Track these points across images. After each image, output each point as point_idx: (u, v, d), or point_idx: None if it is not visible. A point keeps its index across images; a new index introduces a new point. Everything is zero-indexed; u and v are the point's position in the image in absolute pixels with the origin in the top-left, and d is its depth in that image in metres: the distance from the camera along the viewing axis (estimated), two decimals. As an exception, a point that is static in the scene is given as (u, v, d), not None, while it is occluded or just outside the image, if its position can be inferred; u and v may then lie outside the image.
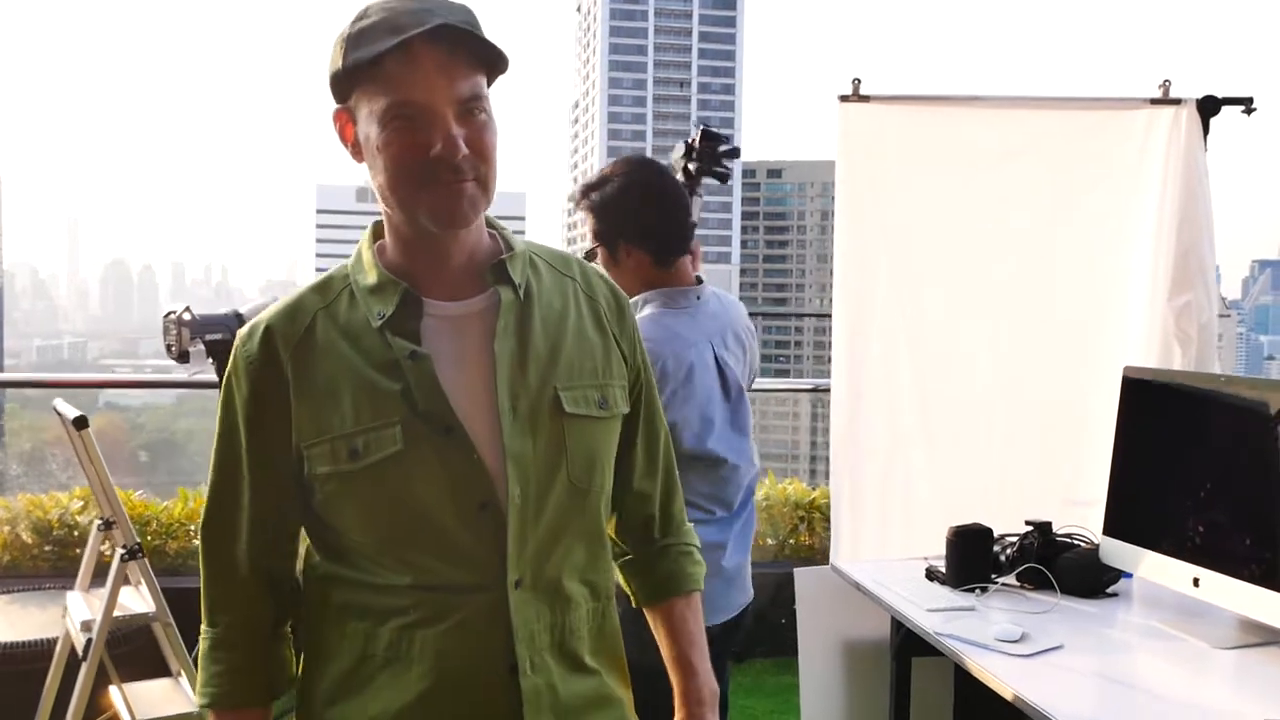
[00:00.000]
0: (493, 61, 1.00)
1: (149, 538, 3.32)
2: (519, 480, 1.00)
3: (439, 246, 1.03)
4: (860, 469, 2.52)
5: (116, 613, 2.25)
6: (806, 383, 4.49)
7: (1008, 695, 1.57)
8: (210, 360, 2.65)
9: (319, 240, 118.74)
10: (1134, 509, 1.95)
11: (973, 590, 1.99)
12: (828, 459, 2.60)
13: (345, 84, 1.00)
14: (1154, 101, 2.43)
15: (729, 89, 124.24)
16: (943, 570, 2.07)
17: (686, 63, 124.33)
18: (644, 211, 1.78)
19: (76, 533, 3.34)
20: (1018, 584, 2.02)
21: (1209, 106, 2.40)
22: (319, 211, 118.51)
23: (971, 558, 2.03)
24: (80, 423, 2.21)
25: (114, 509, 2.31)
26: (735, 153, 2.19)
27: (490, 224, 1.10)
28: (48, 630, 2.57)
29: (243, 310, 2.74)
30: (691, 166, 2.15)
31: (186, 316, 2.63)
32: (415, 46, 0.95)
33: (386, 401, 0.99)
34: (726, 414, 1.77)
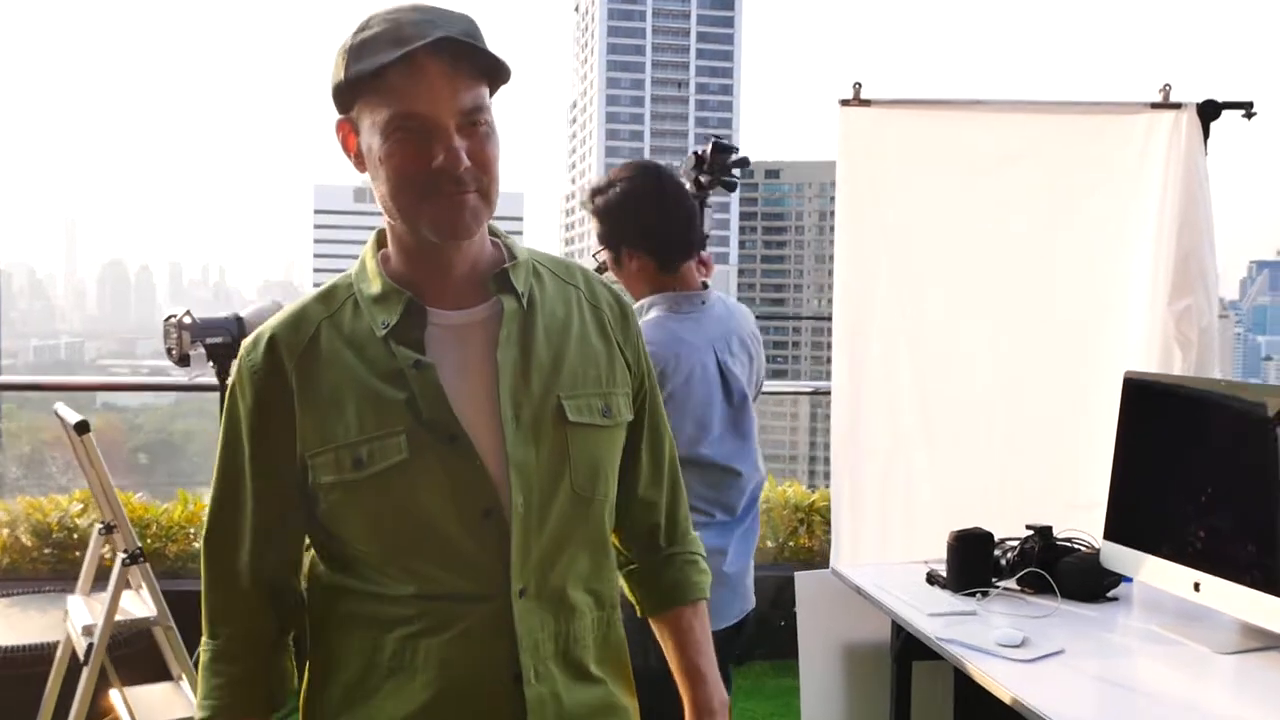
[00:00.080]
0: (494, 72, 1.00)
1: (149, 540, 3.31)
2: (522, 489, 1.01)
3: (442, 256, 1.04)
4: (860, 472, 2.52)
5: (118, 617, 2.25)
6: (806, 385, 4.50)
7: (1009, 700, 1.57)
8: (211, 364, 2.65)
9: (316, 241, 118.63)
10: (1135, 513, 1.96)
11: (973, 594, 1.99)
12: (827, 460, 2.60)
13: (347, 95, 1.00)
14: (1154, 106, 2.44)
15: (727, 89, 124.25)
16: (943, 574, 2.07)
17: (685, 63, 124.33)
18: (646, 216, 1.79)
19: (76, 535, 3.33)
20: (1018, 588, 2.02)
21: (1209, 111, 2.40)
22: (317, 212, 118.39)
23: (972, 562, 2.04)
24: (82, 427, 2.21)
25: (115, 513, 2.31)
26: (744, 163, 2.20)
27: (493, 232, 1.10)
28: (48, 634, 2.57)
29: (243, 314, 2.74)
30: (703, 178, 2.17)
31: (187, 320, 2.62)
32: (418, 58, 0.95)
33: (391, 411, 0.99)
34: (727, 420, 1.77)
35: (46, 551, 3.34)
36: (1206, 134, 2.41)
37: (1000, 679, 1.62)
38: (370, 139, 0.99)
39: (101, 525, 2.42)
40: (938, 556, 2.10)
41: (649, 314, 1.78)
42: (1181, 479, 1.89)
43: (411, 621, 1.00)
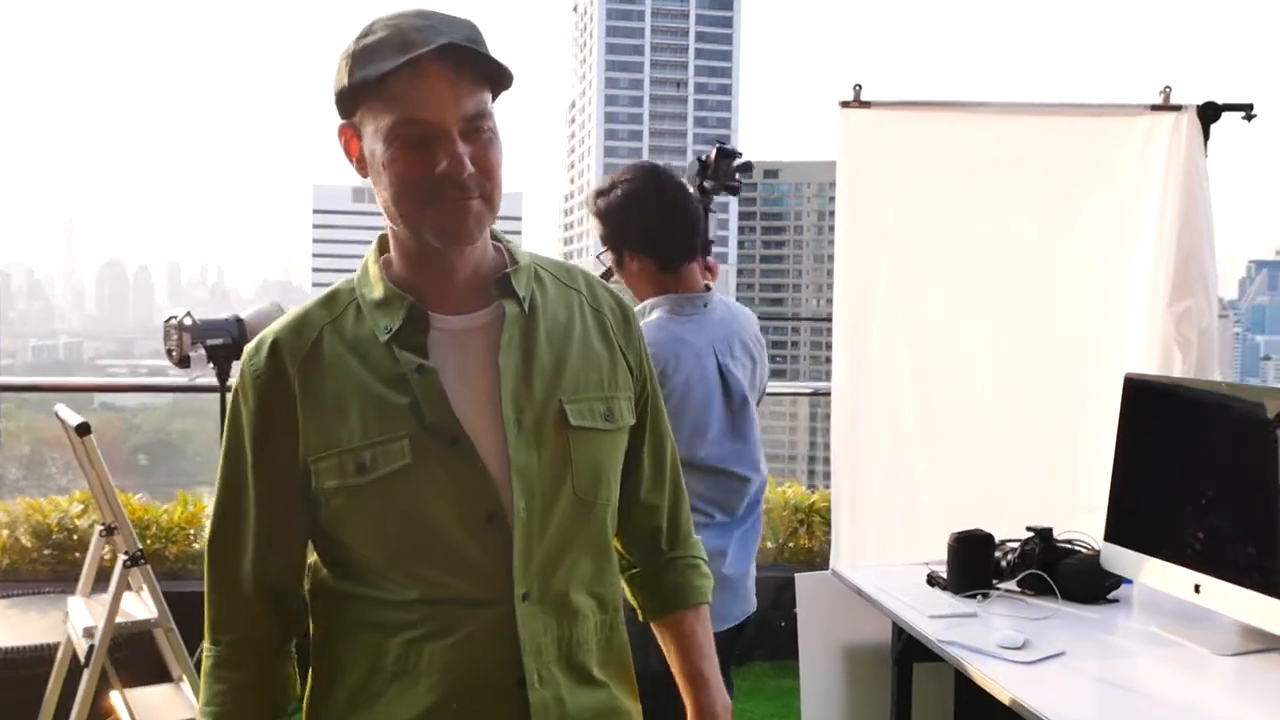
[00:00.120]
0: (497, 78, 1.00)
1: (148, 541, 3.31)
2: (524, 493, 1.01)
3: (444, 261, 1.04)
4: (861, 473, 2.53)
5: (119, 619, 2.25)
6: (806, 386, 4.49)
7: (1010, 702, 1.57)
8: (211, 365, 2.65)
9: (315, 241, 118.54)
10: (1135, 515, 1.96)
11: (974, 596, 2.00)
12: (826, 460, 2.60)
13: (350, 100, 1.00)
14: (1155, 108, 2.44)
15: (725, 89, 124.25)
16: (944, 576, 2.07)
17: (683, 63, 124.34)
18: (646, 218, 1.79)
19: (76, 536, 3.33)
20: (1019, 590, 2.03)
21: (1209, 113, 2.40)
22: (315, 212, 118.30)
23: (973, 564, 2.04)
24: (83, 429, 2.21)
25: (116, 515, 2.31)
26: (748, 167, 2.21)
27: (495, 237, 1.10)
28: (48, 635, 2.57)
29: (243, 315, 2.74)
30: (707, 183, 2.17)
31: (188, 322, 2.63)
32: (422, 64, 0.95)
33: (394, 415, 0.99)
34: (726, 422, 1.77)
35: (46, 552, 3.33)
36: (1206, 136, 2.41)
37: (1002, 681, 1.62)
38: (373, 144, 0.99)
39: (102, 527, 2.42)
40: (938, 558, 2.11)
41: (650, 315, 1.78)
42: (1182, 481, 1.89)
43: (415, 626, 1.00)
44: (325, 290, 1.09)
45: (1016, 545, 2.09)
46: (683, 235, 1.81)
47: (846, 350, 2.49)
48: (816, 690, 2.40)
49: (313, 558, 1.08)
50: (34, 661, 2.52)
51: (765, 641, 3.06)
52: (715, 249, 2.18)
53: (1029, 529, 2.09)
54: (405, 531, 1.00)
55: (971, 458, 2.50)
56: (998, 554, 2.08)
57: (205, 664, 1.06)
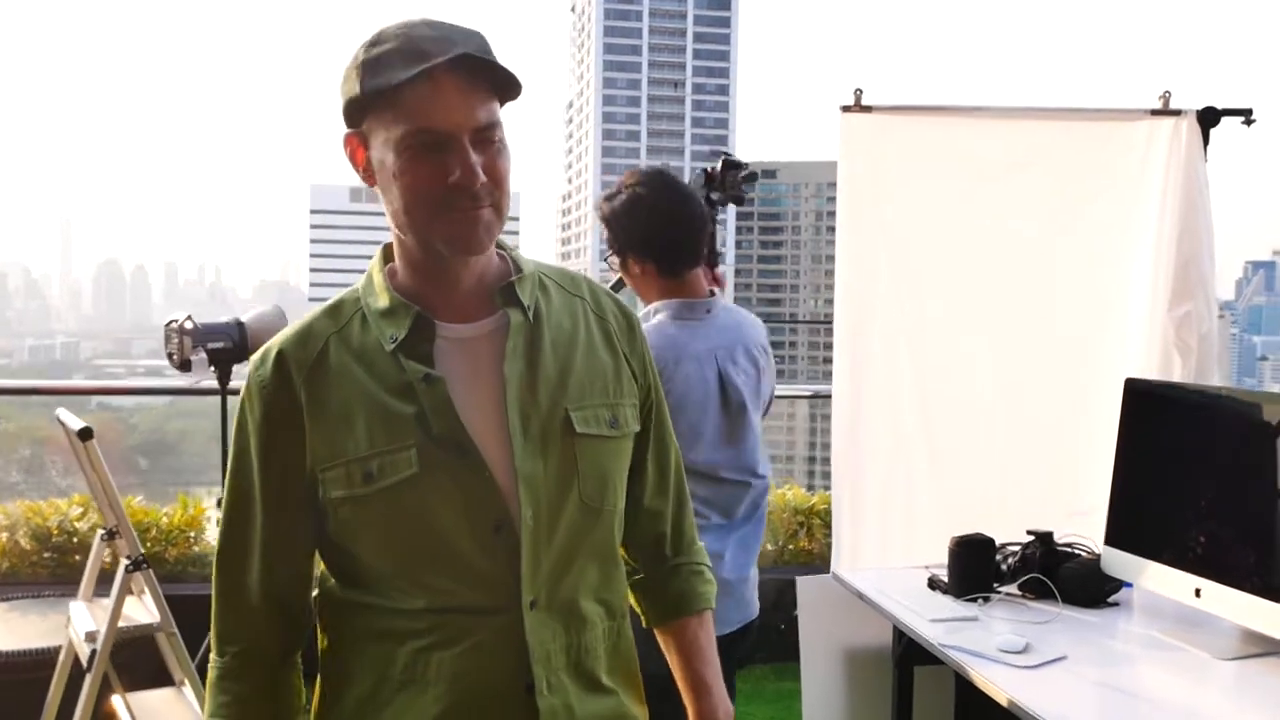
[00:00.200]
0: (507, 88, 1.00)
1: (148, 544, 3.31)
2: (530, 501, 1.01)
3: (451, 270, 1.04)
4: (861, 476, 2.53)
5: (121, 623, 2.25)
6: (806, 389, 4.50)
7: (1010, 705, 1.58)
8: (212, 368, 2.65)
9: (313, 240, 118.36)
10: (1136, 519, 1.97)
11: (975, 600, 2.00)
12: (826, 462, 2.61)
13: (359, 109, 1.00)
14: (1154, 113, 2.45)
15: (723, 89, 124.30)
16: (945, 579, 2.08)
17: (681, 63, 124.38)
18: (649, 223, 1.80)
19: (75, 539, 3.33)
20: (1019, 593, 2.03)
21: (1209, 117, 2.41)
22: (313, 211, 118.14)
23: (974, 567, 2.04)
24: (85, 434, 2.21)
25: (118, 519, 2.31)
26: (754, 178, 2.21)
27: (499, 245, 1.10)
28: (49, 639, 2.57)
29: (244, 318, 2.74)
30: (714, 195, 2.18)
31: (189, 325, 2.63)
32: (436, 73, 0.95)
33: (401, 424, 1.00)
34: (723, 428, 1.77)
35: (46, 555, 3.33)
36: (1206, 140, 2.42)
37: (1003, 685, 1.62)
38: (383, 154, 0.99)
39: (104, 531, 2.41)
40: (938, 561, 2.11)
41: (653, 319, 1.79)
42: (1182, 485, 1.90)
43: (423, 635, 1.00)
44: (330, 300, 1.09)
45: (1017, 549, 2.10)
46: (686, 240, 1.81)
47: (847, 354, 2.50)
48: (817, 693, 2.40)
49: (320, 567, 1.09)
50: (34, 665, 2.51)
51: (766, 644, 3.06)
52: (713, 249, 2.18)
53: (1029, 532, 2.10)
54: (412, 540, 1.00)
55: (972, 461, 2.51)
56: (998, 557, 2.08)
57: (211, 674, 1.07)
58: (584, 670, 1.05)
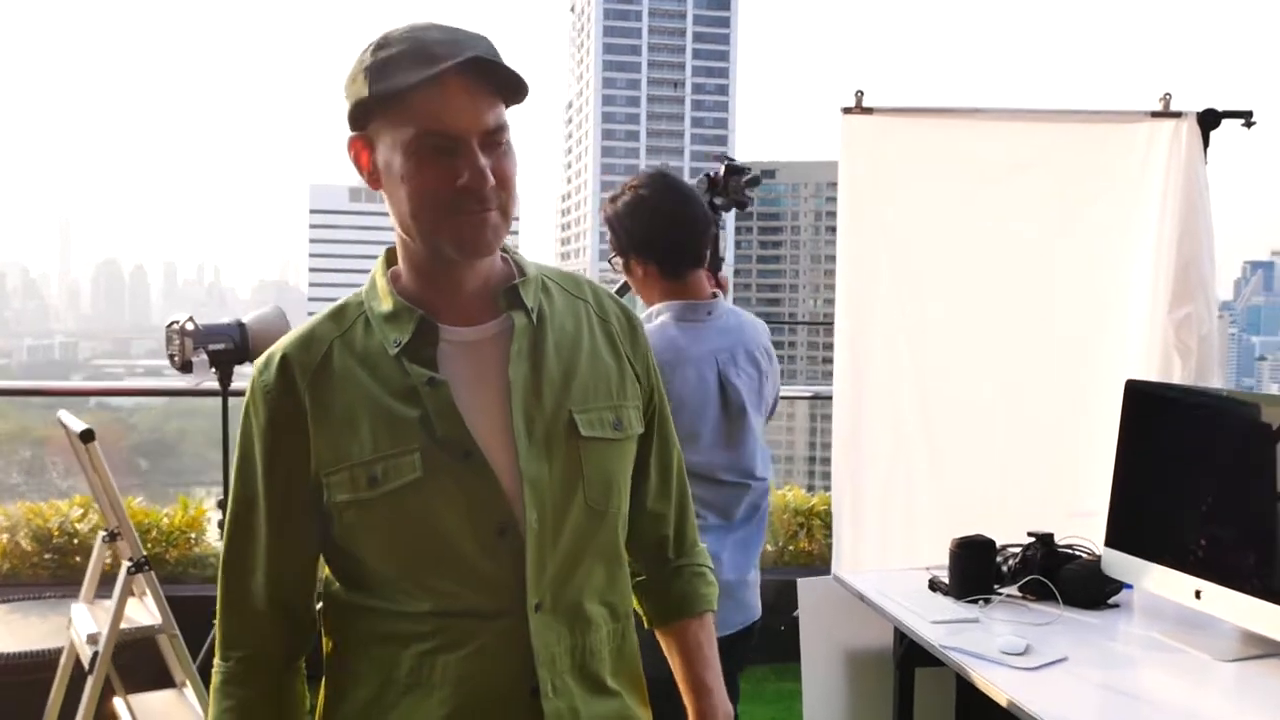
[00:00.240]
0: (514, 92, 1.01)
1: (149, 545, 3.32)
2: (536, 504, 1.01)
3: (455, 273, 1.04)
4: (862, 478, 2.54)
5: (122, 625, 2.25)
6: (806, 390, 4.51)
7: (1010, 706, 1.58)
8: (213, 370, 2.65)
9: (312, 240, 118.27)
10: (1136, 520, 1.97)
11: (976, 601, 2.00)
12: (825, 462, 2.61)
13: (365, 112, 1.00)
14: (1155, 114, 2.45)
15: (723, 89, 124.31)
16: (945, 581, 2.08)
17: (680, 63, 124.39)
18: (651, 225, 1.81)
19: (76, 541, 3.33)
20: (1020, 595, 2.04)
21: (1209, 120, 2.42)
22: (312, 211, 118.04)
23: (974, 569, 2.05)
24: (87, 436, 2.21)
25: (120, 521, 2.31)
26: (757, 182, 2.21)
27: (503, 248, 1.11)
28: (50, 640, 2.57)
29: (245, 320, 2.74)
30: (717, 200, 2.18)
31: (190, 326, 2.63)
32: (446, 76, 0.96)
33: (405, 428, 1.00)
34: (720, 430, 1.77)
35: (47, 557, 3.34)
36: (1206, 143, 2.43)
37: (1005, 687, 1.63)
38: (391, 156, 0.99)
39: (105, 532, 2.42)
40: (939, 563, 2.12)
41: (654, 321, 1.80)
42: (1182, 486, 1.91)
43: (428, 638, 1.00)
44: (333, 304, 1.09)
45: (1018, 550, 2.10)
46: (688, 242, 1.81)
47: (848, 356, 2.50)
48: (819, 694, 2.40)
49: (325, 571, 1.09)
50: (35, 667, 2.51)
51: (766, 644, 3.07)
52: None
53: (1030, 534, 2.10)
54: (417, 544, 1.00)
55: (972, 462, 2.51)
56: (999, 559, 2.09)
57: (215, 679, 1.07)
58: (589, 673, 1.05)
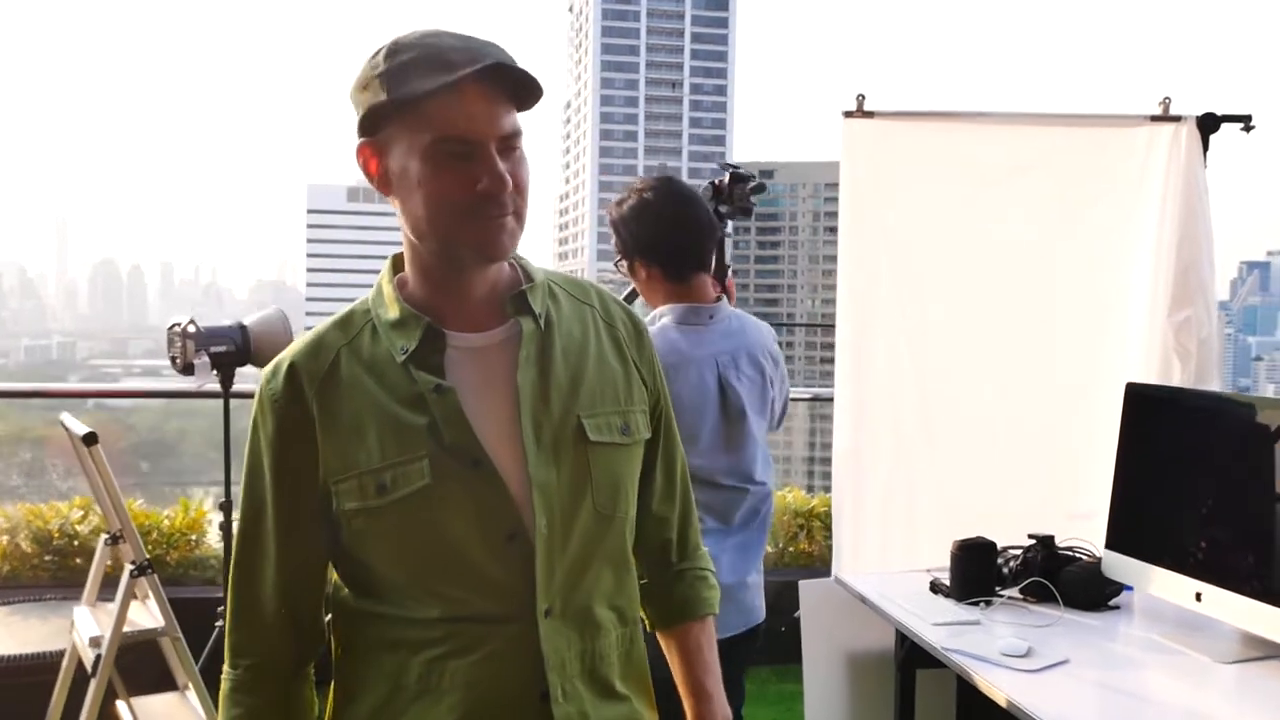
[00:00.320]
0: (529, 98, 1.01)
1: (150, 547, 3.32)
2: (545, 510, 1.01)
3: (465, 279, 1.04)
4: (862, 480, 2.54)
5: (125, 628, 2.25)
6: (805, 392, 4.51)
7: (1015, 710, 1.59)
8: (215, 372, 2.65)
9: (309, 240, 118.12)
10: (1136, 523, 1.98)
11: (977, 604, 2.01)
12: (825, 463, 2.62)
13: (378, 118, 1.00)
14: (1155, 118, 2.46)
15: (721, 89, 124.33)
16: (946, 583, 2.09)
17: (679, 63, 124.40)
18: (655, 229, 1.82)
19: (77, 542, 3.33)
20: (1021, 597, 2.04)
21: (1209, 124, 2.43)
22: (310, 211, 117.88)
23: (975, 571, 2.05)
24: (90, 439, 2.21)
25: (123, 523, 2.31)
26: (761, 189, 2.22)
27: None
28: (51, 643, 2.57)
29: (247, 322, 2.75)
30: (722, 208, 2.18)
31: (191, 329, 2.63)
32: (464, 82, 0.96)
33: (413, 436, 1.00)
34: (720, 433, 1.78)
35: (47, 559, 3.34)
36: (1206, 146, 2.44)
37: (1007, 689, 1.63)
38: (406, 162, 0.99)
39: (107, 535, 2.42)
40: (939, 564, 2.12)
41: (656, 324, 1.80)
42: (1183, 489, 1.91)
43: (437, 644, 1.01)
44: (340, 312, 1.09)
45: (1019, 553, 2.11)
46: (692, 245, 1.82)
47: (849, 358, 2.51)
48: (820, 695, 2.41)
49: (333, 578, 1.09)
50: (36, 669, 2.51)
51: (767, 646, 3.08)
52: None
53: (1031, 536, 2.11)
54: (426, 551, 1.01)
55: (973, 465, 2.52)
56: (1000, 561, 2.10)
57: (224, 686, 1.07)
58: (598, 677, 1.06)
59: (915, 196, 2.49)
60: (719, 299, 1.86)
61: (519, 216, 1.02)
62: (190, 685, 2.38)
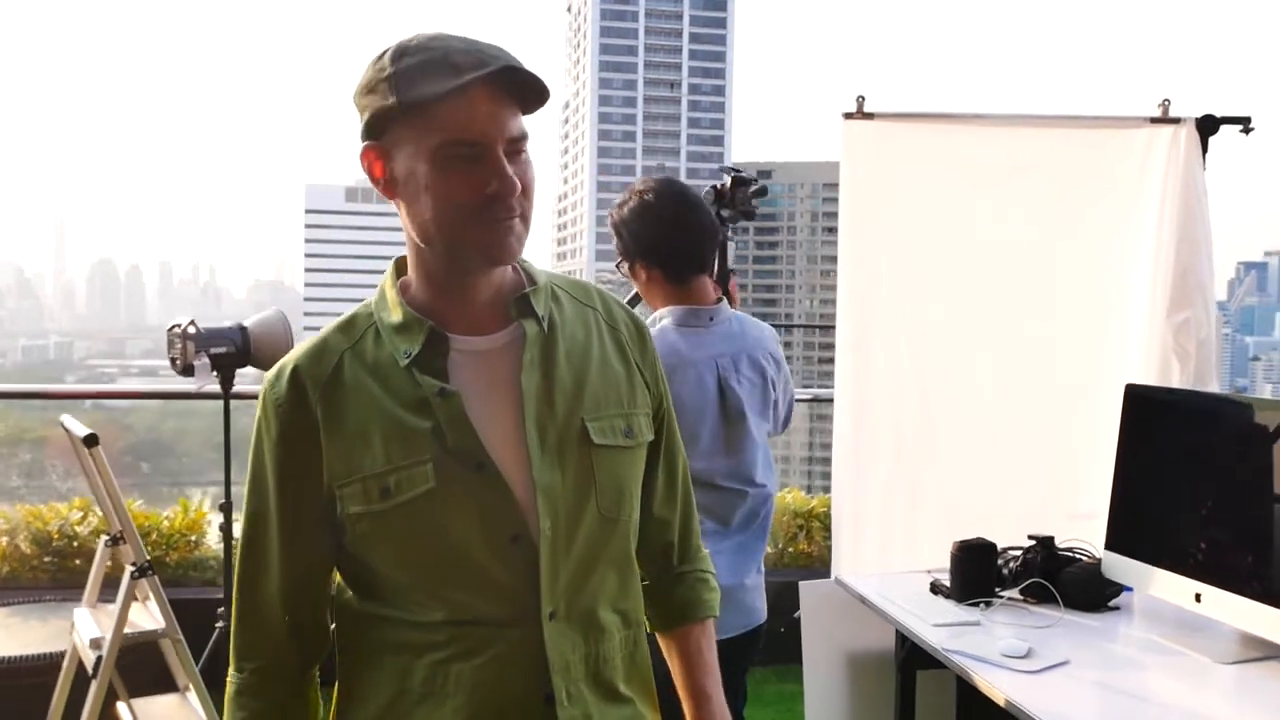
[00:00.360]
0: (533, 100, 1.01)
1: (149, 548, 3.31)
2: (549, 513, 1.02)
3: (469, 283, 1.04)
4: (862, 481, 2.55)
5: (125, 629, 2.25)
6: (805, 393, 4.51)
7: (1015, 711, 1.59)
8: (215, 373, 2.66)
9: (307, 240, 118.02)
10: (1136, 524, 1.98)
11: (977, 604, 2.02)
12: (824, 464, 2.62)
13: (384, 122, 1.00)
14: (1154, 120, 2.47)
15: (719, 90, 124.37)
16: (947, 584, 2.09)
17: (677, 64, 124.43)
18: (655, 231, 1.82)
19: (76, 543, 3.33)
20: (1021, 598, 2.05)
21: (1208, 125, 2.43)
22: (308, 211, 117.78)
23: (976, 572, 2.06)
24: (90, 440, 2.21)
25: (124, 525, 2.31)
26: (763, 192, 2.22)
27: None
28: (52, 644, 2.57)
29: (247, 323, 2.75)
30: (724, 212, 2.19)
31: (191, 330, 2.63)
32: (472, 86, 0.96)
33: (417, 440, 1.00)
34: (719, 435, 1.78)
35: (47, 560, 3.33)
36: (1205, 148, 2.44)
37: (1007, 690, 1.64)
38: (413, 165, 0.99)
39: (108, 536, 2.42)
40: (939, 565, 2.13)
41: (656, 325, 1.81)
42: (1182, 490, 1.92)
43: (442, 647, 1.01)
44: (342, 316, 1.09)
45: (1019, 553, 2.11)
46: (693, 247, 1.82)
47: (849, 359, 2.52)
48: (820, 696, 2.41)
49: (337, 581, 1.09)
50: (36, 670, 2.51)
51: (767, 646, 3.09)
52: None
53: (1031, 537, 2.11)
54: (431, 554, 1.01)
55: (973, 465, 2.52)
56: (1000, 562, 2.10)
57: (229, 689, 1.07)
58: (602, 680, 1.06)
59: (915, 197, 2.49)
60: (719, 301, 1.86)
61: (525, 220, 1.02)
62: (191, 686, 2.38)
